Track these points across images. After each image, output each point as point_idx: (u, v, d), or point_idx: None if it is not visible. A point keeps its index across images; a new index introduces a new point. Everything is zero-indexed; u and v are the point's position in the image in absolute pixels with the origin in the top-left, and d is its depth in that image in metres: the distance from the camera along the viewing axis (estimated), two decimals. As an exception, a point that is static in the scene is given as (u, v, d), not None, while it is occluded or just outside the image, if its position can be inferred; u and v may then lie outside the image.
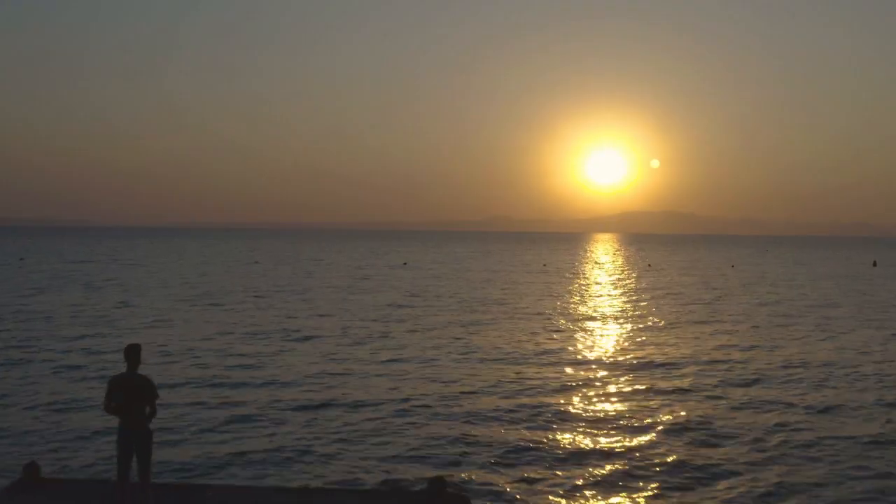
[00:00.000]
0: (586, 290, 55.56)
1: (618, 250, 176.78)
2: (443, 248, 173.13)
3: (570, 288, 57.88)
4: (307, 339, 29.48)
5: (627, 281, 66.63)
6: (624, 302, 46.63)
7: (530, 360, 25.46)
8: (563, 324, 35.56)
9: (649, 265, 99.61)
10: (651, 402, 19.65)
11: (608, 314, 40.04)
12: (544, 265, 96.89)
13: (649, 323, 36.21)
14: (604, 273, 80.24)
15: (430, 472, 13.47)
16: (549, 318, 37.44)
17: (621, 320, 37.34)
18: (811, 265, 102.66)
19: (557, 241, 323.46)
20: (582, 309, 42.29)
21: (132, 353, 9.50)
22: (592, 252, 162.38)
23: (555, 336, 31.42)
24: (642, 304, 45.38)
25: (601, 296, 51.20)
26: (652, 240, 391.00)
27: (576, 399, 20.05)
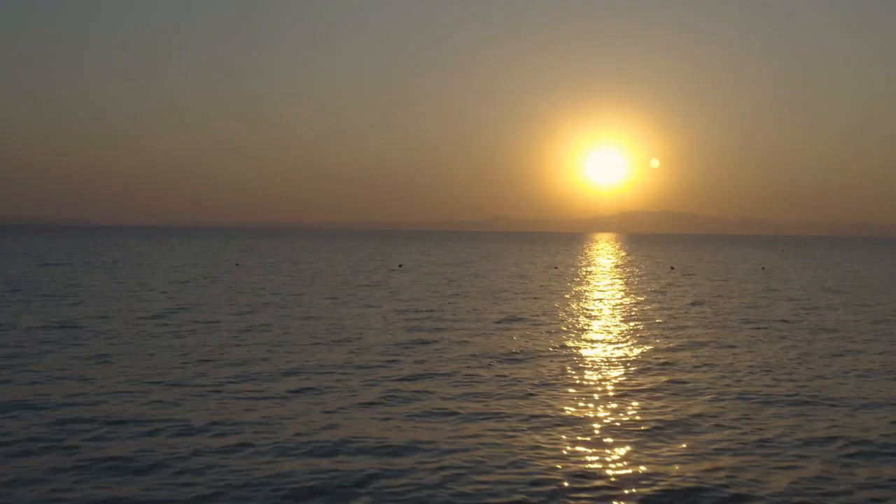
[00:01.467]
0: (647, 310, 47.70)
1: (631, 251, 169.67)
2: (443, 248, 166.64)
3: (616, 302, 50.12)
4: (262, 397, 21.89)
5: (668, 289, 59.03)
6: (704, 325, 38.53)
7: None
8: (667, 381, 26.20)
9: (672, 268, 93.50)
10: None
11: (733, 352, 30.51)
12: (556, 267, 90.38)
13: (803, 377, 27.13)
14: (633, 278, 72.62)
15: None
16: (638, 367, 28.77)
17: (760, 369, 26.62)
18: (840, 266, 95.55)
19: (558, 241, 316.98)
20: (664, 343, 34.32)
21: None
22: (600, 253, 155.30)
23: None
24: (744, 325, 37.62)
25: (660, 318, 43.27)
26: (653, 240, 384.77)
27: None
